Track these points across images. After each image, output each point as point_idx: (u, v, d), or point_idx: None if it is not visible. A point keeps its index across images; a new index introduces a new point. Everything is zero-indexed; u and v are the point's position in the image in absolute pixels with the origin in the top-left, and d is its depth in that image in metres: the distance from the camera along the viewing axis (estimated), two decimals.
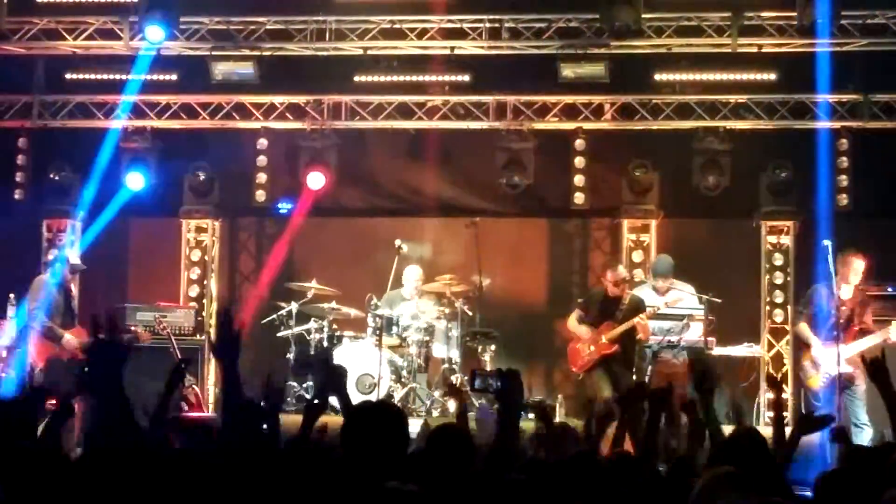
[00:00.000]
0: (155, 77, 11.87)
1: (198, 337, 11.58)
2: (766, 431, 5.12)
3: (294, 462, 3.90)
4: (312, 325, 11.05)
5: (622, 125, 11.88)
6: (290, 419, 7.04)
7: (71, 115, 12.24)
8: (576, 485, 4.08)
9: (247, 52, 11.57)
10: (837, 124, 11.47)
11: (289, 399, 10.52)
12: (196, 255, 12.46)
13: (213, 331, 11.80)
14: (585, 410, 5.49)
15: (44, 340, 10.05)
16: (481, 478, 3.94)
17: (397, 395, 10.52)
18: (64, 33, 11.59)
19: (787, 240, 11.68)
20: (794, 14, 10.56)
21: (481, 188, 12.30)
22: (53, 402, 5.20)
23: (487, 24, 11.28)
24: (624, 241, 11.96)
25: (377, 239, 12.00)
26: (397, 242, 11.07)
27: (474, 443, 4.19)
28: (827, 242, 9.49)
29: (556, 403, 10.83)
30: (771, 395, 8.24)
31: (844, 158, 11.47)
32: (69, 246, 11.93)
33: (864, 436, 8.97)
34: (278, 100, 12.10)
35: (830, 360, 9.41)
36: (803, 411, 9.72)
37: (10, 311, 10.34)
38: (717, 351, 10.35)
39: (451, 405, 10.04)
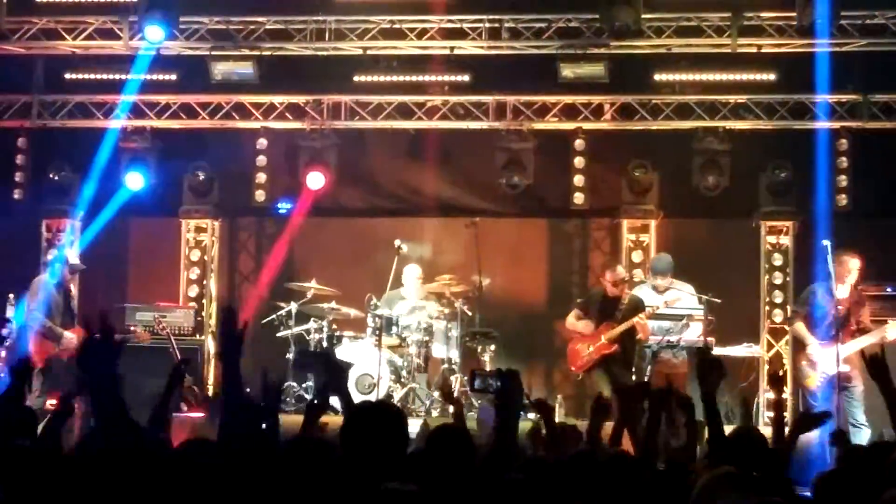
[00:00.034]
0: (154, 77, 11.87)
1: (197, 337, 11.59)
2: (767, 431, 5.13)
3: (294, 462, 3.90)
4: (312, 325, 11.05)
5: (622, 125, 11.88)
6: (290, 419, 7.05)
7: (70, 115, 12.23)
8: (576, 484, 4.08)
9: (246, 52, 11.57)
10: (837, 124, 11.47)
11: (288, 399, 10.52)
12: (195, 255, 12.46)
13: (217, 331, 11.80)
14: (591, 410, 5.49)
15: (43, 340, 10.06)
16: (481, 477, 3.94)
17: (397, 396, 10.52)
18: (63, 33, 11.59)
19: (786, 240, 11.68)
20: (794, 14, 10.57)
21: (481, 188, 12.30)
22: (54, 402, 5.20)
23: (487, 24, 11.28)
24: (623, 242, 11.97)
25: (377, 239, 12.00)
26: (397, 242, 11.07)
27: (474, 443, 4.19)
28: (826, 242, 9.51)
29: (555, 403, 10.81)
30: (771, 395, 8.25)
31: (844, 159, 11.47)
32: (68, 246, 11.94)
33: (861, 435, 8.97)
34: (278, 100, 12.10)
35: (827, 359, 9.44)
36: (801, 410, 9.75)
37: (10, 310, 10.34)
38: (717, 351, 10.33)
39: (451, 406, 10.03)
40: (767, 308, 11.61)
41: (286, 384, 10.51)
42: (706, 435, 4.71)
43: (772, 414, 5.62)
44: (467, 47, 11.42)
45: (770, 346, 11.48)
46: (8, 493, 3.52)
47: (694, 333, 10.13)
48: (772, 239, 11.73)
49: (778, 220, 11.70)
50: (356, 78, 11.74)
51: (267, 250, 12.87)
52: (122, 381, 4.89)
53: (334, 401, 5.04)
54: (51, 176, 12.08)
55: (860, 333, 9.45)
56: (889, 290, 10.47)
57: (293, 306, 11.05)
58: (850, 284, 9.54)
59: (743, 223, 11.79)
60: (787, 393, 10.98)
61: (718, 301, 10.15)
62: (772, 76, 11.35)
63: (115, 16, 11.39)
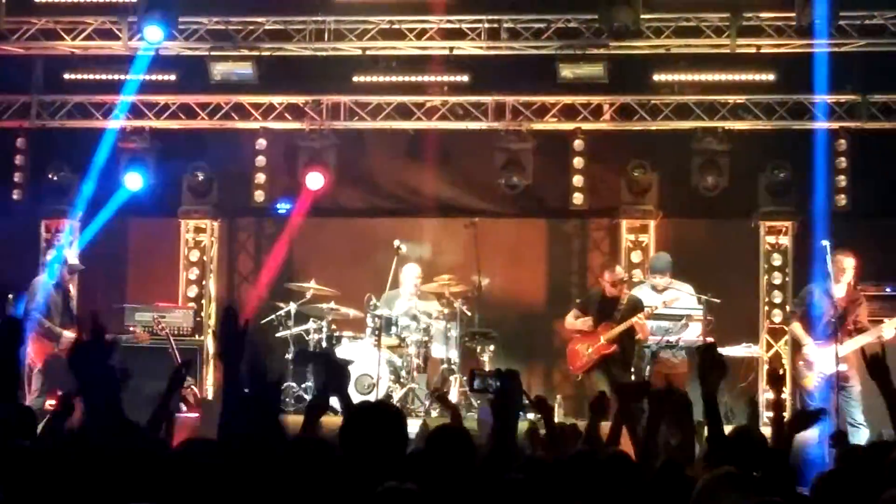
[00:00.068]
0: (154, 77, 11.87)
1: (196, 337, 11.59)
2: (766, 431, 5.14)
3: (294, 462, 3.90)
4: (311, 325, 11.05)
5: (621, 126, 11.88)
6: (290, 419, 7.04)
7: (69, 116, 12.23)
8: (575, 484, 4.08)
9: (246, 53, 11.57)
10: (836, 125, 11.48)
11: (288, 399, 10.51)
12: (195, 256, 12.45)
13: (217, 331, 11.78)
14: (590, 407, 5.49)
15: (42, 340, 10.08)
16: (480, 477, 3.94)
17: (396, 396, 10.52)
18: (62, 33, 11.59)
19: (785, 240, 11.69)
20: (793, 15, 10.57)
21: (480, 188, 12.31)
22: (53, 402, 5.20)
23: (486, 25, 11.29)
24: (623, 242, 11.97)
25: (376, 239, 12.00)
26: (396, 243, 11.06)
27: (474, 443, 4.19)
28: (825, 242, 9.52)
29: (555, 403, 10.81)
30: (770, 395, 8.23)
31: (843, 159, 11.48)
32: (67, 246, 11.94)
33: (860, 435, 8.98)
34: (277, 100, 12.10)
35: (824, 359, 9.46)
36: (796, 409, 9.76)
37: (10, 310, 10.33)
38: None
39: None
40: (766, 308, 11.61)
41: (285, 384, 10.51)
42: (706, 434, 4.70)
43: (771, 414, 5.61)
44: (466, 48, 11.43)
45: (769, 347, 11.48)
46: (7, 494, 3.52)
47: (693, 333, 10.14)
48: (771, 239, 11.74)
49: (777, 221, 11.71)
50: (355, 78, 11.74)
51: (266, 250, 12.87)
52: (128, 381, 4.90)
53: (334, 401, 5.04)
54: (50, 176, 12.07)
55: (857, 333, 9.47)
56: (888, 289, 10.48)
57: (292, 306, 11.05)
58: (847, 283, 9.54)
59: (742, 223, 11.79)
60: (786, 393, 11.02)
61: (717, 301, 10.16)
62: (771, 76, 11.36)
63: (113, 16, 11.39)
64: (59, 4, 11.54)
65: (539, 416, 9.84)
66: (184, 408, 10.32)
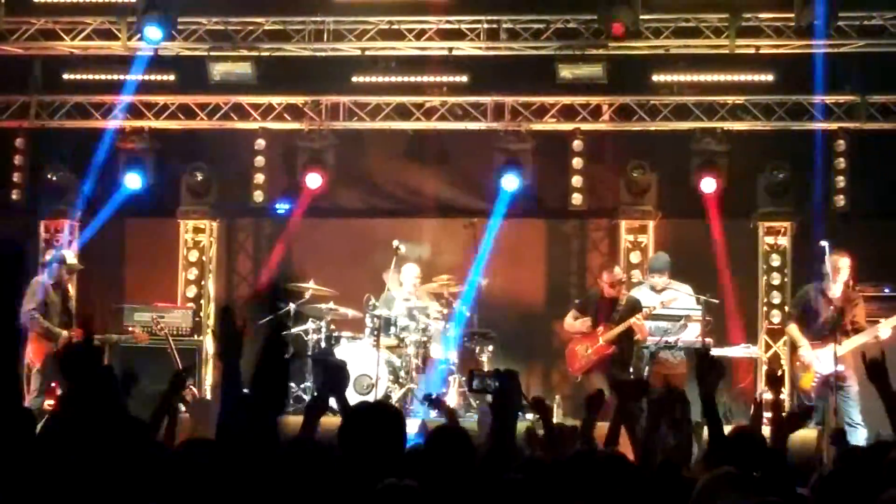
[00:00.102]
0: (153, 77, 11.88)
1: (195, 337, 11.58)
2: (765, 431, 5.14)
3: (293, 462, 3.90)
4: (310, 325, 11.04)
5: (620, 126, 11.88)
6: (290, 420, 7.04)
7: (68, 116, 12.22)
8: (574, 485, 4.08)
9: (245, 53, 11.58)
10: (834, 125, 11.48)
11: (287, 399, 10.50)
12: (194, 256, 12.45)
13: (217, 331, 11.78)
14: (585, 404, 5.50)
15: (41, 340, 10.07)
16: (479, 477, 3.94)
17: (395, 396, 10.52)
18: (61, 33, 11.60)
19: (784, 241, 11.69)
20: (792, 15, 10.58)
21: (479, 189, 12.30)
22: (52, 402, 5.20)
23: (485, 25, 11.29)
24: (622, 242, 11.97)
25: (375, 239, 11.99)
26: (395, 243, 11.06)
27: (472, 443, 4.19)
28: (824, 243, 9.53)
29: (553, 404, 10.82)
30: (769, 396, 8.23)
31: (841, 159, 11.47)
32: (66, 246, 11.94)
33: (857, 435, 8.98)
34: (276, 100, 12.10)
35: (820, 360, 9.48)
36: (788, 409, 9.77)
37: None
38: (715, 352, 10.34)
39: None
40: (765, 309, 11.61)
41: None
42: (704, 435, 4.71)
43: (770, 414, 5.62)
44: (465, 48, 11.43)
45: (768, 347, 11.48)
46: (6, 494, 3.51)
47: (692, 334, 10.14)
48: (770, 240, 11.74)
49: (776, 221, 11.70)
50: (354, 78, 11.74)
51: (265, 251, 12.87)
52: (134, 384, 4.90)
53: (334, 401, 5.04)
54: (49, 176, 12.07)
55: (854, 333, 9.48)
56: (886, 290, 10.48)
57: (291, 307, 11.04)
58: (843, 283, 9.55)
59: (741, 224, 11.79)
60: (784, 394, 11.02)
61: (716, 301, 10.17)
62: (770, 77, 11.36)
63: (113, 16, 11.39)
64: (58, 5, 11.55)
65: (538, 416, 9.85)
66: (182, 408, 10.31)
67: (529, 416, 10.19)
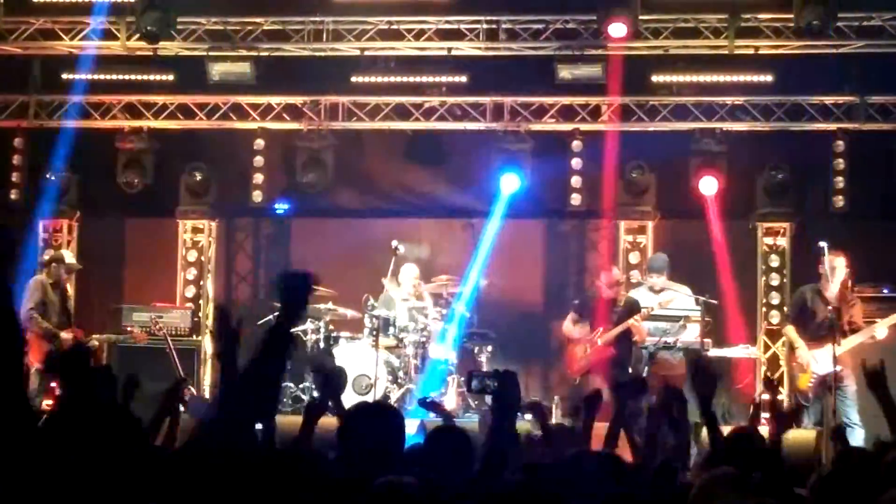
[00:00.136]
0: (152, 77, 11.89)
1: (194, 337, 11.58)
2: (763, 432, 5.14)
3: (290, 462, 3.90)
4: (309, 325, 11.04)
5: (619, 126, 11.87)
6: (287, 420, 7.04)
7: (67, 116, 12.21)
8: (571, 485, 4.08)
9: (244, 53, 11.57)
10: (833, 126, 11.49)
11: (285, 400, 10.51)
12: (192, 256, 12.44)
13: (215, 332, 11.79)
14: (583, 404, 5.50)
15: (39, 340, 10.06)
16: (478, 478, 3.95)
17: (394, 396, 10.52)
18: (60, 33, 11.59)
19: (783, 241, 11.69)
20: (791, 16, 10.58)
21: (478, 189, 12.29)
22: (50, 402, 5.20)
23: (485, 26, 11.29)
24: (620, 243, 11.97)
25: (374, 240, 11.98)
26: (394, 243, 11.05)
27: (471, 443, 4.19)
28: (823, 244, 9.53)
29: (552, 405, 10.83)
30: (767, 397, 8.24)
31: (840, 160, 11.47)
32: (65, 246, 11.95)
33: (855, 435, 8.98)
34: (275, 100, 12.09)
35: (817, 360, 9.51)
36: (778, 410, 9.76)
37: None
38: (714, 352, 10.37)
39: (447, 406, 10.04)
40: (764, 309, 11.62)
41: (282, 384, 10.51)
42: (703, 435, 4.71)
43: (767, 415, 5.64)
44: (465, 48, 11.43)
45: (767, 348, 11.49)
46: (5, 495, 3.51)
47: (691, 334, 10.14)
48: (769, 240, 11.74)
49: (775, 222, 11.71)
50: (353, 79, 11.73)
51: (264, 251, 12.87)
52: (137, 388, 4.89)
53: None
54: (47, 176, 12.06)
55: (851, 333, 9.49)
56: (885, 291, 10.49)
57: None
58: (839, 283, 9.55)
59: (740, 224, 11.79)
60: (783, 394, 11.02)
61: (715, 302, 10.17)
62: (769, 78, 11.35)
63: (112, 16, 11.39)
64: (58, 4, 11.54)
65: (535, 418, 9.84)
66: (181, 409, 10.31)
67: (528, 416, 10.22)
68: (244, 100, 12.03)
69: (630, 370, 10.15)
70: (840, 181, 11.45)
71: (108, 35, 11.49)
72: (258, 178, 12.16)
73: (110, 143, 12.11)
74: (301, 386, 10.79)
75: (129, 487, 3.07)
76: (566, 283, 12.58)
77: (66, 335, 10.14)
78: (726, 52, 11.07)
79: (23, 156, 12.23)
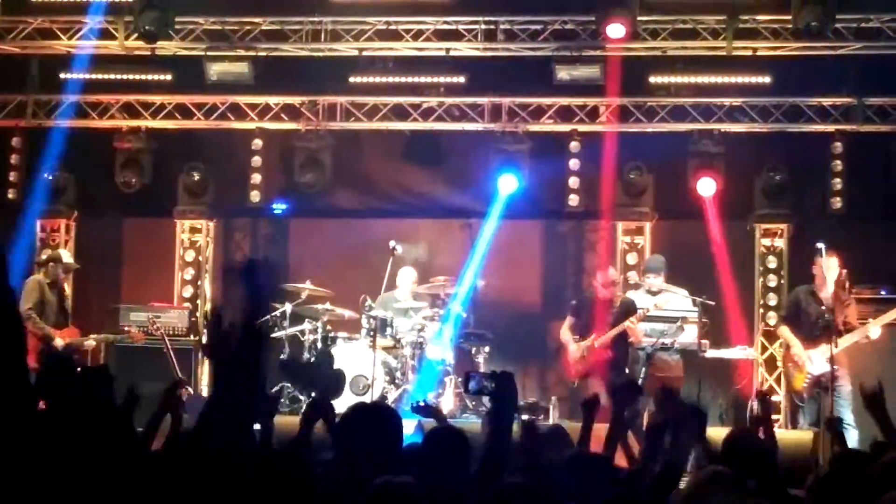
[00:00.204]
0: (150, 77, 11.89)
1: (191, 337, 11.57)
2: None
3: (288, 463, 3.90)
4: (307, 325, 11.03)
5: (617, 127, 11.87)
6: (285, 420, 7.03)
7: (65, 115, 12.21)
8: (571, 487, 4.08)
9: (242, 53, 11.57)
10: (831, 127, 11.49)
11: (283, 400, 10.50)
12: (190, 256, 12.43)
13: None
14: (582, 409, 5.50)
15: (35, 340, 10.05)
16: (476, 479, 3.95)
17: (391, 397, 10.52)
18: (59, 33, 11.59)
19: (780, 242, 11.70)
20: (789, 17, 10.59)
21: (476, 190, 12.30)
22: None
23: (483, 26, 11.30)
24: (618, 244, 11.97)
25: (372, 240, 11.97)
26: (392, 244, 11.05)
27: (470, 444, 4.19)
28: (821, 245, 9.54)
29: (549, 405, 10.83)
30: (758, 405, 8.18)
31: (838, 162, 11.48)
32: (62, 245, 11.94)
33: (849, 436, 8.98)
34: (273, 100, 12.09)
35: (812, 360, 9.53)
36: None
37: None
38: (711, 353, 10.37)
39: (445, 406, 10.05)
40: (762, 311, 11.62)
41: (280, 385, 10.50)
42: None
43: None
44: (463, 49, 11.43)
45: (764, 349, 11.49)
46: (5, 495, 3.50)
47: (689, 336, 10.13)
48: (766, 241, 11.75)
49: (772, 223, 11.71)
50: (352, 79, 11.73)
51: (262, 251, 12.86)
52: (137, 404, 4.88)
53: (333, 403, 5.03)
54: (45, 176, 12.05)
55: (846, 333, 9.51)
56: (883, 292, 10.50)
57: (287, 307, 11.03)
58: (833, 283, 9.57)
59: (738, 226, 11.79)
60: (780, 395, 11.03)
61: (712, 303, 10.17)
62: (767, 79, 11.36)
63: (110, 15, 11.38)
64: (56, 4, 11.54)
65: (532, 418, 9.84)
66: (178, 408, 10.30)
67: (525, 416, 10.22)
68: (242, 100, 12.03)
69: (627, 370, 10.15)
70: (838, 182, 11.46)
71: (106, 35, 11.48)
72: (256, 178, 12.16)
73: (108, 143, 12.12)
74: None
75: (120, 489, 3.07)
76: (564, 284, 12.58)
77: (59, 341, 10.11)
78: (724, 53, 11.07)
79: (20, 155, 12.22)
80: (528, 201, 12.11)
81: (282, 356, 10.89)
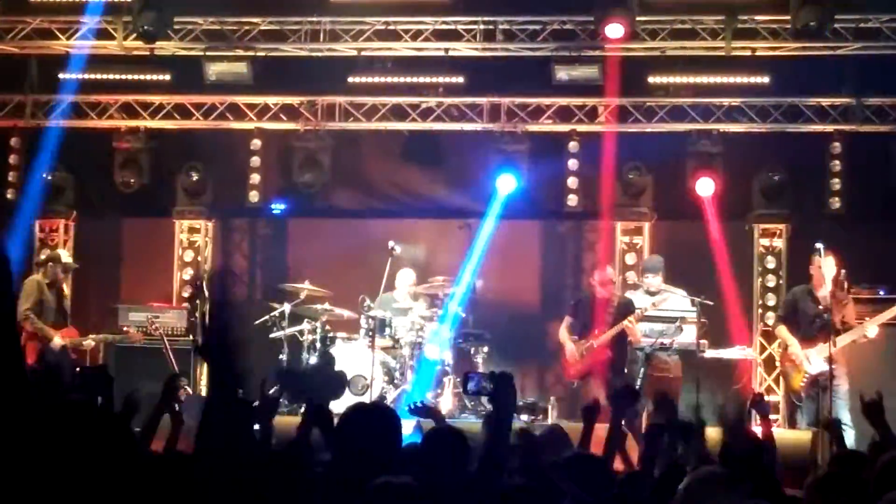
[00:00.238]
0: (148, 77, 11.89)
1: (190, 338, 11.56)
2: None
3: (287, 463, 3.90)
4: (305, 326, 11.03)
5: (616, 128, 11.87)
6: (285, 421, 7.03)
7: (64, 115, 12.21)
8: (569, 488, 4.08)
9: (241, 53, 11.57)
10: (830, 128, 11.50)
11: (281, 400, 10.47)
12: (189, 256, 12.43)
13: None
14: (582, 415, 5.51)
15: (34, 340, 10.06)
16: (475, 479, 3.95)
17: (390, 397, 10.52)
18: (57, 33, 11.58)
19: (779, 242, 11.70)
20: (788, 17, 10.59)
21: (475, 190, 12.30)
22: None
23: (482, 26, 11.30)
24: (617, 244, 11.97)
25: (370, 240, 11.97)
26: (390, 244, 11.04)
27: (469, 444, 4.19)
28: (819, 245, 9.55)
29: (548, 405, 10.83)
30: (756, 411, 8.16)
31: (837, 162, 11.49)
32: (61, 245, 11.94)
33: (846, 436, 8.98)
34: (272, 100, 12.09)
35: (810, 359, 9.55)
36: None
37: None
38: (710, 353, 10.37)
39: (443, 407, 10.05)
40: (760, 311, 11.63)
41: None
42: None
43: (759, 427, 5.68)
44: (462, 49, 11.43)
45: (763, 349, 11.50)
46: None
47: (688, 336, 10.13)
48: (765, 241, 11.75)
49: (771, 223, 11.72)
50: (350, 79, 11.73)
51: (260, 251, 12.86)
52: (137, 411, 4.88)
53: (333, 404, 5.04)
54: (44, 176, 12.05)
55: (844, 332, 9.52)
56: (881, 292, 10.50)
57: (286, 307, 11.03)
58: (831, 283, 9.57)
59: (736, 226, 11.80)
60: (779, 395, 11.03)
61: (710, 304, 10.18)
62: (765, 79, 11.37)
63: (109, 15, 11.38)
64: (54, 4, 11.54)
65: (532, 418, 9.86)
66: (176, 408, 10.29)
67: (524, 416, 10.23)
68: (241, 100, 12.03)
69: (626, 371, 10.16)
70: (836, 183, 11.47)
71: (104, 35, 11.48)
72: (255, 178, 12.15)
73: (107, 143, 12.12)
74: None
75: (115, 495, 3.07)
76: (563, 285, 12.58)
77: (58, 340, 10.12)
78: (723, 53, 11.08)
79: (19, 155, 12.21)
80: (526, 201, 12.11)
81: (279, 361, 10.85)
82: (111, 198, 12.29)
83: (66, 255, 11.09)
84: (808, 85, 11.44)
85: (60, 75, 11.95)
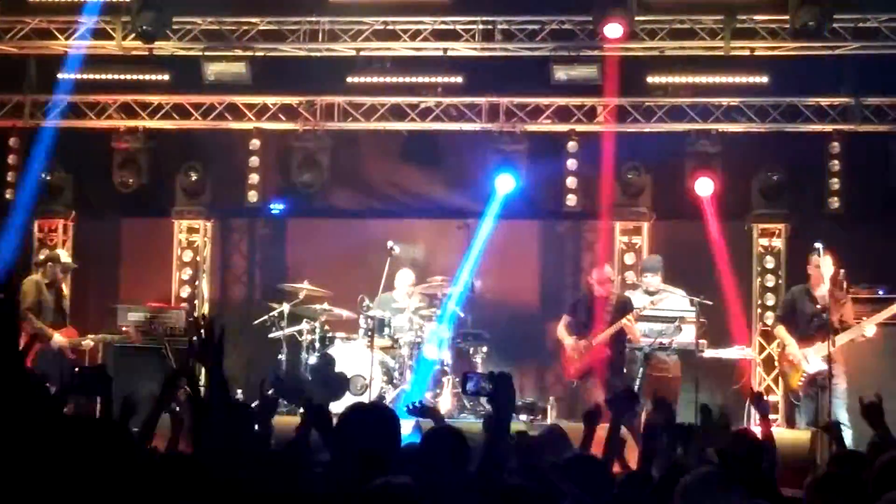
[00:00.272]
0: (147, 77, 11.88)
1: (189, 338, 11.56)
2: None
3: (286, 463, 3.90)
4: (304, 326, 11.03)
5: (615, 127, 11.87)
6: (284, 421, 7.03)
7: (63, 115, 12.20)
8: (569, 488, 4.08)
9: (239, 53, 11.57)
10: (829, 127, 11.50)
11: (281, 401, 10.47)
12: (188, 256, 12.43)
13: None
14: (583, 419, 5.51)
15: (34, 340, 10.05)
16: (475, 479, 3.95)
17: (389, 397, 10.52)
18: (56, 33, 11.58)
19: (778, 242, 11.71)
20: (787, 17, 10.59)
21: (474, 190, 12.30)
22: None
23: (480, 26, 11.29)
24: (616, 244, 11.97)
25: (369, 240, 11.97)
26: (389, 244, 11.05)
27: (468, 444, 4.19)
28: (818, 245, 9.56)
29: (547, 405, 10.83)
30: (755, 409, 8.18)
31: (836, 161, 11.49)
32: (60, 245, 11.93)
33: (845, 435, 8.98)
34: (271, 100, 12.08)
35: (808, 359, 9.56)
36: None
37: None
38: (709, 353, 10.38)
39: (442, 407, 10.05)
40: (759, 311, 11.63)
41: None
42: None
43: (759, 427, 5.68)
44: (460, 49, 11.43)
45: (762, 349, 11.50)
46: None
47: (687, 336, 10.13)
48: (764, 241, 11.76)
49: (770, 223, 11.72)
50: (349, 79, 11.73)
51: (259, 251, 12.86)
52: (135, 410, 4.88)
53: (332, 405, 5.03)
54: (43, 176, 12.05)
55: (842, 331, 9.53)
56: (880, 292, 10.51)
57: (285, 307, 11.03)
58: (829, 282, 9.58)
59: (735, 226, 11.80)
60: (777, 395, 11.04)
61: (709, 303, 10.18)
62: (764, 79, 11.37)
63: (107, 15, 11.38)
64: (53, 4, 11.53)
65: (531, 418, 9.86)
66: (176, 408, 10.29)
67: (523, 417, 10.23)
68: (240, 100, 12.03)
69: (624, 370, 10.16)
70: (835, 182, 11.47)
71: (103, 35, 11.47)
72: (254, 178, 12.15)
73: (106, 143, 12.12)
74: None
75: (113, 497, 3.07)
76: (562, 284, 12.58)
77: (58, 338, 10.12)
78: (722, 53, 11.08)
79: (18, 155, 12.21)
80: (525, 201, 12.11)
81: (279, 361, 10.84)
82: (110, 198, 12.29)
83: (65, 255, 11.09)
84: (807, 85, 11.45)
85: (59, 75, 11.95)
